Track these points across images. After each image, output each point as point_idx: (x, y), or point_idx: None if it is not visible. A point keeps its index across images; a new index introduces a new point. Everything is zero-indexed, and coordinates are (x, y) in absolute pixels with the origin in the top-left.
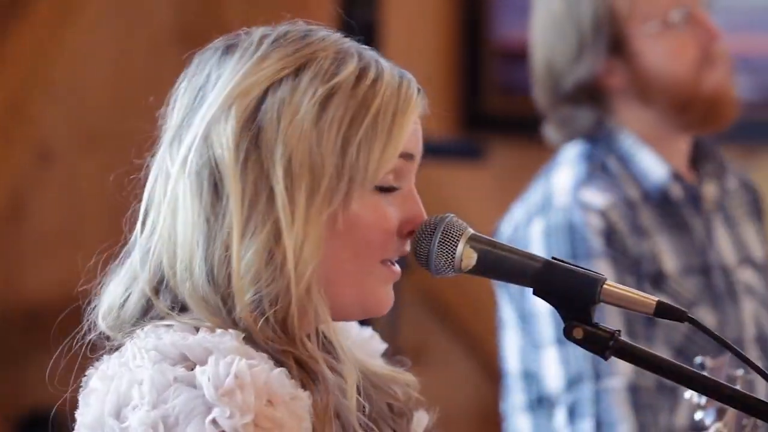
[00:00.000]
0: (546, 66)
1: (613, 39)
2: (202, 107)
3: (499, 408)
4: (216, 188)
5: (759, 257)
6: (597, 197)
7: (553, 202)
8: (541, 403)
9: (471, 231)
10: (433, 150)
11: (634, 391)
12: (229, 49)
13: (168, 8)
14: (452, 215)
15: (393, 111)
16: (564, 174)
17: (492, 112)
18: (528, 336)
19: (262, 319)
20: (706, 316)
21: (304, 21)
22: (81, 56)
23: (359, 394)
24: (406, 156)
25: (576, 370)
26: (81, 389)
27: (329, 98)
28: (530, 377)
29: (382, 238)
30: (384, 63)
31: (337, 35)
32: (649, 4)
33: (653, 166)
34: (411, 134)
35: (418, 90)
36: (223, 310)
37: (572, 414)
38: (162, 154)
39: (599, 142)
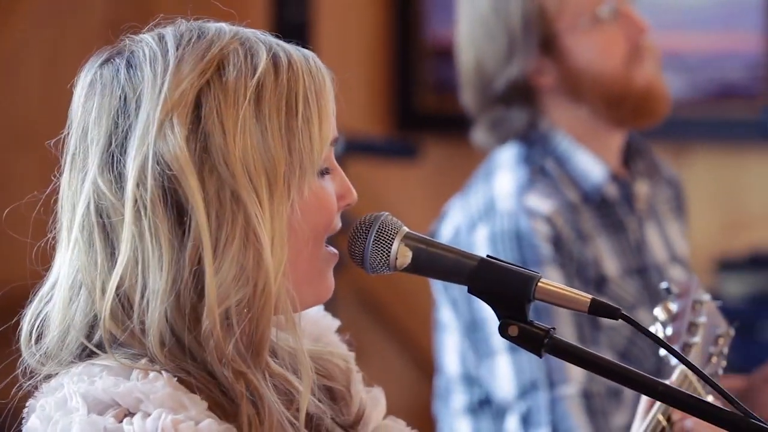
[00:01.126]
0: (476, 68)
1: (542, 38)
2: (134, 129)
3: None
4: (178, 207)
5: (683, 254)
6: (542, 203)
7: (497, 208)
8: (482, 407)
9: (406, 229)
10: (367, 149)
11: (587, 397)
12: (131, 64)
13: (99, 4)
14: (387, 214)
15: (316, 90)
16: (505, 178)
17: (425, 111)
18: (476, 343)
19: (230, 336)
20: (646, 318)
21: (182, 18)
22: (12, 56)
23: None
24: (334, 141)
25: (529, 377)
26: (25, 410)
27: (260, 91)
28: (471, 380)
29: (329, 217)
30: (282, 44)
31: (223, 24)
32: (577, 1)
33: (591, 167)
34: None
35: (322, 64)
36: (178, 337)
37: (526, 422)
38: (90, 186)
39: (535, 144)
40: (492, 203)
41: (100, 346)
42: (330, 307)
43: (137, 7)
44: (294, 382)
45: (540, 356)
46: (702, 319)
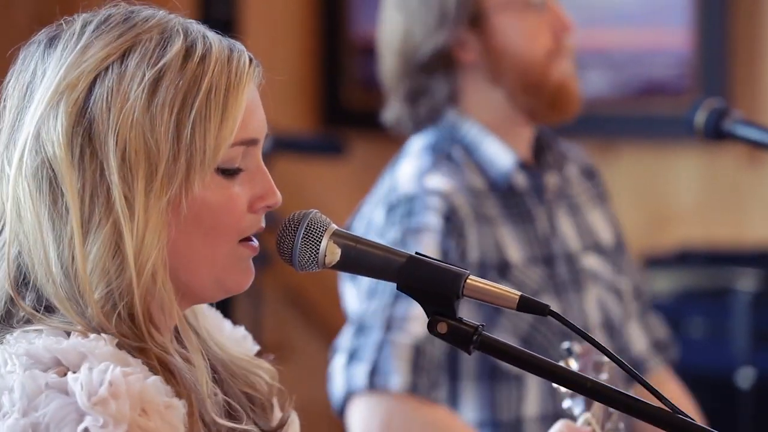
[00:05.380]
0: (404, 35)
1: (473, 11)
2: (31, 105)
3: None
4: (54, 187)
5: (606, 241)
6: (441, 182)
7: (397, 188)
8: None
9: (334, 227)
10: (293, 145)
11: (418, 352)
12: (52, 42)
13: (27, 3)
14: (316, 211)
15: (225, 87)
16: (408, 165)
17: (352, 108)
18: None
19: (114, 315)
20: (550, 305)
21: (125, 0)
22: None
23: (215, 383)
24: (249, 142)
25: (371, 317)
26: None
27: (158, 81)
28: None
29: (231, 219)
30: (212, 36)
31: (162, 12)
32: None
33: (499, 155)
34: (252, 116)
35: (251, 60)
36: (82, 309)
37: (352, 357)
38: (0, 158)
39: (443, 132)
40: (394, 186)
41: (32, 315)
42: (258, 304)
43: (64, 6)
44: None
45: (469, 353)
46: (604, 377)
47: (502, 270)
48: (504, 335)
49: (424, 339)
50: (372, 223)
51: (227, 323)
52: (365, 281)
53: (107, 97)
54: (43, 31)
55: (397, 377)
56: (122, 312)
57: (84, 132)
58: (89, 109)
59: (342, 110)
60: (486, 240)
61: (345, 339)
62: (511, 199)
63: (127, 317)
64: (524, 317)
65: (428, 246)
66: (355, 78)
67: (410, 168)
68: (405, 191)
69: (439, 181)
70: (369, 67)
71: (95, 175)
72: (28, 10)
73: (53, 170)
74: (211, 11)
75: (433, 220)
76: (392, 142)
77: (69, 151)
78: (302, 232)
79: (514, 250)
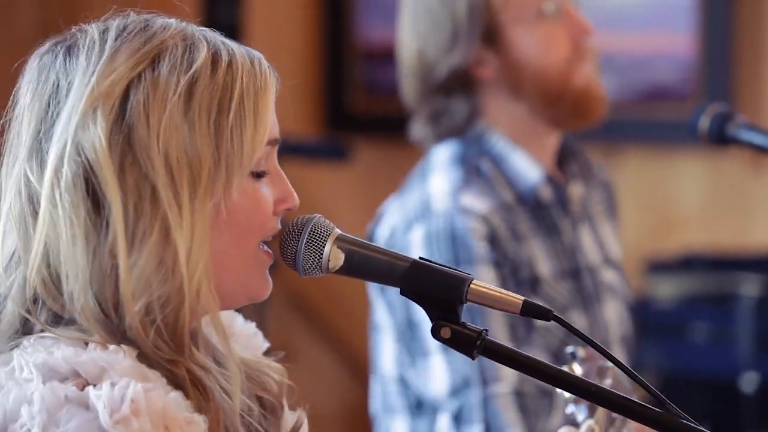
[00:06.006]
0: (418, 56)
1: (486, 28)
2: (61, 116)
3: (365, 408)
4: (95, 197)
5: (615, 255)
6: (477, 202)
7: (432, 208)
8: (420, 408)
9: (338, 231)
10: (297, 150)
11: (519, 395)
12: (70, 51)
13: (29, 7)
14: (319, 216)
15: (255, 91)
16: (440, 178)
17: (356, 112)
18: (410, 344)
19: (152, 328)
20: (578, 320)
21: (132, 10)
22: None
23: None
24: (273, 141)
25: (462, 375)
26: None
27: (192, 87)
28: (406, 383)
29: (261, 220)
30: (231, 43)
31: (173, 20)
32: None
33: (526, 168)
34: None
35: (268, 66)
36: (114, 321)
37: (459, 420)
38: (19, 170)
39: (471, 143)
40: (427, 203)
41: (46, 323)
42: (262, 308)
43: (69, 10)
44: (225, 381)
45: (473, 358)
46: (608, 382)
47: (533, 285)
48: (538, 351)
49: (519, 379)
50: (398, 235)
51: (239, 318)
52: (433, 340)
53: (144, 104)
54: (52, 41)
55: (513, 430)
56: (160, 324)
57: (123, 139)
58: (126, 116)
59: (346, 115)
60: (521, 257)
61: (439, 391)
62: (538, 212)
63: (164, 329)
64: (555, 333)
65: (487, 278)
66: (359, 82)
67: (443, 182)
68: (441, 209)
69: (474, 201)
70: (373, 72)
71: (137, 184)
72: (30, 12)
73: (96, 177)
74: (215, 16)
75: (480, 247)
76: (396, 147)
77: (111, 157)
78: (306, 237)
79: (544, 265)
